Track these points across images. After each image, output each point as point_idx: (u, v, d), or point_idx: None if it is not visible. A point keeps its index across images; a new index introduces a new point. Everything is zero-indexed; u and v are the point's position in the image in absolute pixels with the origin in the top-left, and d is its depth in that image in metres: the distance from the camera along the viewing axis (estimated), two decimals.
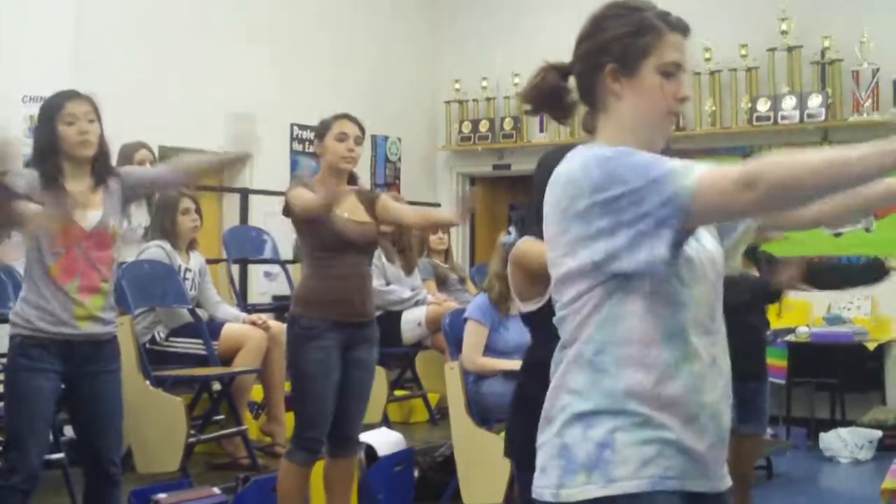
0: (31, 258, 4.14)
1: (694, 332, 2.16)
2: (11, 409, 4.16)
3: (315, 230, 4.74)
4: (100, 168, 4.23)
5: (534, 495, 2.23)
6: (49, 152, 4.15)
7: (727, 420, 2.22)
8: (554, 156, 3.78)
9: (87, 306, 4.13)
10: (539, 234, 3.61)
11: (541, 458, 2.22)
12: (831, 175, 2.01)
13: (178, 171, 4.59)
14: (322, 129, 4.89)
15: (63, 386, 4.18)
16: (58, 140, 4.13)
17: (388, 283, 7.13)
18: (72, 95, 4.22)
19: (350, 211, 4.84)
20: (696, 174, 2.03)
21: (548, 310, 3.58)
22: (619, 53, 2.23)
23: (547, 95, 2.39)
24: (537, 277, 3.40)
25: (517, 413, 3.67)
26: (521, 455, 3.60)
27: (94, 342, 4.18)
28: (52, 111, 4.16)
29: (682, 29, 2.30)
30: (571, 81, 2.36)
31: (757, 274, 5.04)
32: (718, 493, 2.21)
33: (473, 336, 5.82)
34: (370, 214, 4.92)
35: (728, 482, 2.24)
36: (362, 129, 4.92)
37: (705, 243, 2.24)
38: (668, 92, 2.25)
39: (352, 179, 4.96)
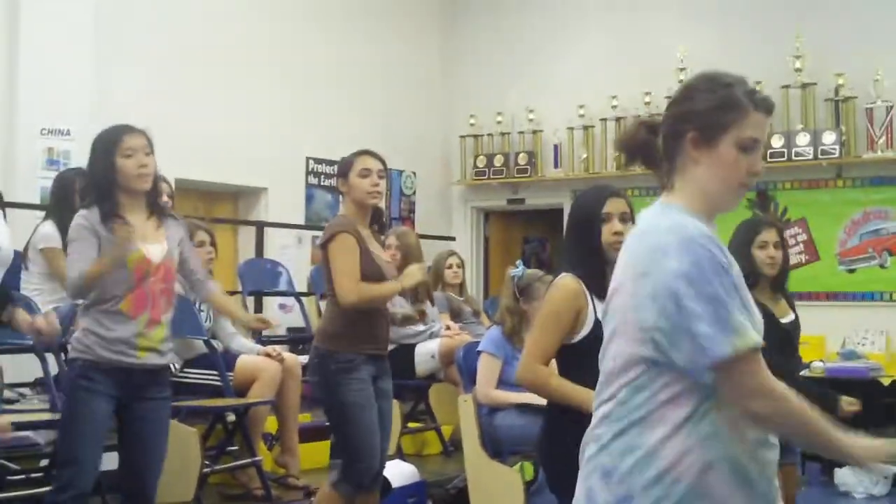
0: (94, 294, 4.18)
1: None
2: (69, 428, 4.24)
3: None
4: (152, 201, 4.32)
5: None
6: (106, 185, 4.20)
7: None
8: (589, 195, 3.89)
9: (150, 338, 4.22)
10: (569, 270, 3.69)
11: None
12: (810, 441, 2.41)
13: (203, 291, 4.75)
14: (345, 167, 4.93)
15: (115, 410, 4.26)
16: (116, 173, 4.18)
17: None
18: (128, 129, 4.28)
19: (375, 248, 4.92)
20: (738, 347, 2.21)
21: (574, 349, 3.66)
22: (702, 124, 2.37)
23: (638, 148, 2.56)
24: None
25: (552, 446, 3.73)
26: (563, 483, 3.64)
27: (151, 371, 4.28)
28: (109, 144, 4.21)
29: (767, 108, 2.41)
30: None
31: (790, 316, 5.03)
32: None
33: (487, 369, 5.84)
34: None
35: None
36: (384, 164, 4.97)
37: None
38: (743, 166, 2.37)
39: (377, 214, 5.01)
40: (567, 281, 3.70)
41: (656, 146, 2.50)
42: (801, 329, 5.17)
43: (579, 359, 3.66)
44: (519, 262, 5.72)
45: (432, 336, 7.18)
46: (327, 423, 6.66)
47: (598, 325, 3.55)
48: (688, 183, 2.41)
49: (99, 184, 4.22)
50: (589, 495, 2.35)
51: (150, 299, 4.22)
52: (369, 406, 4.78)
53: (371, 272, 4.79)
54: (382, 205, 5.04)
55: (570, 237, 3.91)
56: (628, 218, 3.76)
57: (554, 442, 3.72)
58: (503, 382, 5.86)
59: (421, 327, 7.20)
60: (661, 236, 2.30)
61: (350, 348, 4.78)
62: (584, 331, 3.68)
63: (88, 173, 4.32)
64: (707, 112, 2.36)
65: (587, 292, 3.66)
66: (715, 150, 2.37)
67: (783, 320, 4.89)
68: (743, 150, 2.36)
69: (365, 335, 4.79)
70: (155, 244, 4.25)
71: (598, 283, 3.61)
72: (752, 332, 2.22)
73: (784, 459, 4.60)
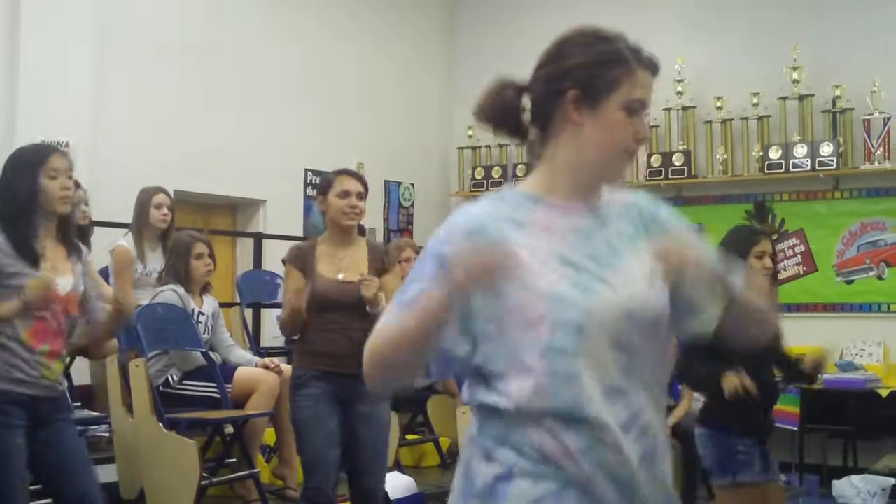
0: None
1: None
2: None
3: (308, 288, 4.79)
4: (65, 227, 4.11)
5: None
6: (27, 206, 3.96)
7: None
8: None
9: (52, 370, 4.01)
10: None
11: None
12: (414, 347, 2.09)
13: (97, 323, 4.30)
14: (325, 186, 4.94)
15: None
16: (38, 193, 3.95)
17: None
18: (54, 149, 4.14)
19: (348, 269, 4.85)
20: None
21: None
22: (584, 82, 2.13)
23: (503, 112, 2.26)
24: None
25: None
26: None
27: (52, 399, 4.06)
28: (33, 163, 3.98)
29: (653, 67, 2.19)
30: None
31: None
32: None
33: None
34: (374, 272, 4.85)
35: None
36: (365, 185, 4.95)
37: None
38: (630, 130, 2.15)
39: (360, 233, 5.03)
40: None
41: (522, 112, 2.23)
42: (796, 340, 5.17)
43: None
44: None
45: None
46: None
47: None
48: (562, 150, 2.16)
49: (18, 204, 3.95)
50: None
51: (51, 331, 4.00)
52: (313, 424, 4.72)
53: (312, 295, 4.75)
54: (379, 221, 5.07)
55: None
56: None
57: None
58: None
59: None
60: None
61: (301, 363, 4.84)
62: None
63: (5, 192, 3.99)
64: (588, 67, 2.12)
65: None
66: (599, 111, 2.12)
67: None
68: (630, 113, 2.13)
69: (316, 351, 4.76)
70: (62, 276, 4.03)
71: None
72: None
73: (765, 477, 4.63)
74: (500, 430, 2.10)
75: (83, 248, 4.23)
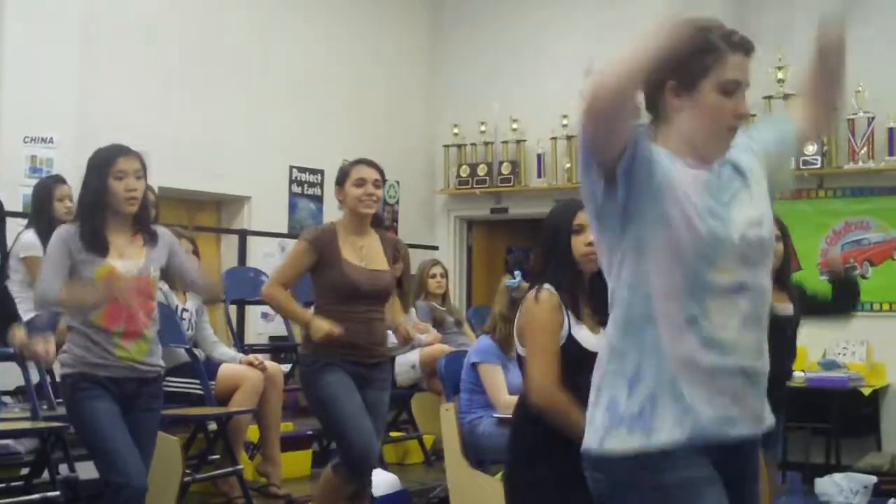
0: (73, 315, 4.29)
1: None
2: (90, 437, 4.25)
3: (328, 276, 4.84)
4: (141, 221, 4.36)
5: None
6: (94, 205, 4.26)
7: None
8: (559, 208, 3.83)
9: (129, 350, 4.25)
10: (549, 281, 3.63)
11: None
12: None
13: (203, 286, 4.87)
14: (341, 176, 5.02)
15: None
16: (106, 193, 4.24)
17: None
18: (123, 151, 4.35)
19: (367, 258, 4.93)
20: None
21: None
22: (679, 72, 2.38)
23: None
24: None
25: (518, 457, 3.68)
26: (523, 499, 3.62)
27: (139, 380, 4.30)
28: (102, 164, 4.27)
29: (745, 48, 2.43)
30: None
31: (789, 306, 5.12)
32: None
33: (494, 378, 5.71)
34: (390, 262, 5.02)
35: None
36: (381, 173, 5.03)
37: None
38: (728, 109, 2.40)
39: (376, 222, 5.06)
40: (547, 295, 3.62)
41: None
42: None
43: None
44: (518, 272, 5.68)
45: (414, 347, 7.18)
46: (309, 433, 6.71)
47: (570, 341, 3.53)
48: (673, 133, 2.44)
49: (88, 202, 4.28)
50: None
51: (124, 313, 4.24)
52: (350, 398, 4.79)
53: (338, 283, 4.83)
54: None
55: (542, 250, 3.80)
56: None
57: (517, 451, 3.71)
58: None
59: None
60: None
61: (322, 354, 4.83)
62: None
63: (81, 190, 4.37)
64: (682, 59, 2.34)
65: (563, 306, 3.60)
66: (696, 96, 2.40)
67: (781, 313, 4.89)
68: (725, 93, 2.39)
69: (340, 343, 4.79)
70: (130, 260, 4.28)
71: (571, 296, 3.57)
72: None
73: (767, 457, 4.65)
74: None
75: (164, 233, 4.47)
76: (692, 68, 2.38)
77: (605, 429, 2.40)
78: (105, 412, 4.18)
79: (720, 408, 2.38)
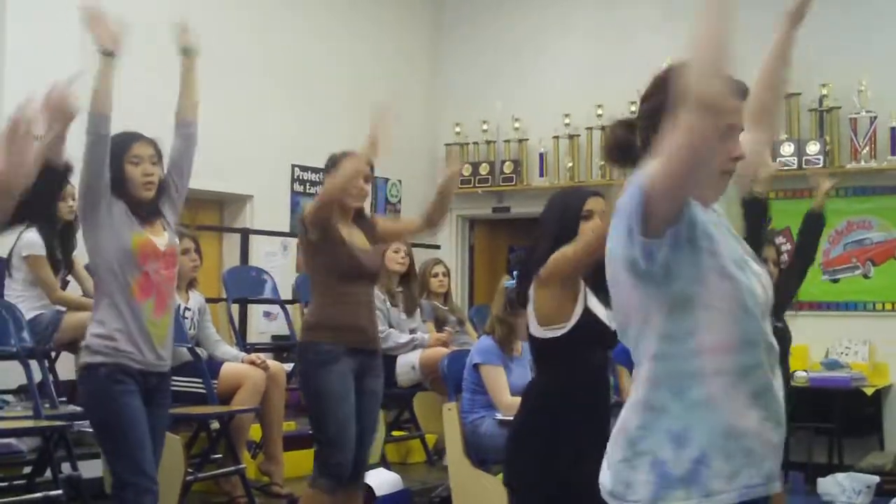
0: (107, 281, 4.20)
1: None
2: (114, 432, 4.16)
3: (333, 257, 4.82)
4: (157, 203, 4.41)
5: None
6: (117, 190, 4.27)
7: None
8: (569, 193, 3.86)
9: (159, 325, 4.25)
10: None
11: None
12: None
13: (180, 121, 4.99)
14: (331, 165, 5.00)
15: None
16: (124, 179, 4.27)
17: (389, 326, 7.14)
18: (137, 137, 4.40)
19: (358, 241, 4.92)
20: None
21: (566, 340, 3.63)
22: (675, 114, 2.27)
23: (620, 149, 2.58)
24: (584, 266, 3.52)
25: (523, 442, 3.70)
26: (523, 484, 3.62)
27: (159, 374, 4.30)
28: (118, 150, 4.28)
29: (740, 92, 2.44)
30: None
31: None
32: None
33: (496, 379, 5.71)
34: (371, 241, 5.01)
35: None
36: (371, 166, 5.00)
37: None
38: (723, 153, 2.38)
39: (359, 215, 5.05)
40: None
41: (636, 144, 2.50)
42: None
43: (559, 353, 3.65)
44: (517, 273, 5.69)
45: (416, 348, 7.18)
46: (311, 432, 6.68)
47: (586, 312, 3.57)
48: None
49: (112, 186, 4.27)
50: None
51: (156, 286, 4.24)
52: (344, 398, 4.78)
53: (349, 266, 4.83)
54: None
55: (546, 235, 3.84)
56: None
57: (518, 449, 3.72)
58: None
59: (404, 338, 7.19)
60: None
61: (330, 339, 4.80)
62: (570, 324, 3.66)
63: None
64: (679, 101, 2.27)
65: None
66: None
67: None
68: (721, 138, 2.32)
69: (346, 325, 4.80)
70: (157, 236, 4.33)
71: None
72: None
73: None
74: None
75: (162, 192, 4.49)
76: None
77: (653, 490, 2.34)
78: (139, 412, 4.14)
79: (766, 465, 2.38)
